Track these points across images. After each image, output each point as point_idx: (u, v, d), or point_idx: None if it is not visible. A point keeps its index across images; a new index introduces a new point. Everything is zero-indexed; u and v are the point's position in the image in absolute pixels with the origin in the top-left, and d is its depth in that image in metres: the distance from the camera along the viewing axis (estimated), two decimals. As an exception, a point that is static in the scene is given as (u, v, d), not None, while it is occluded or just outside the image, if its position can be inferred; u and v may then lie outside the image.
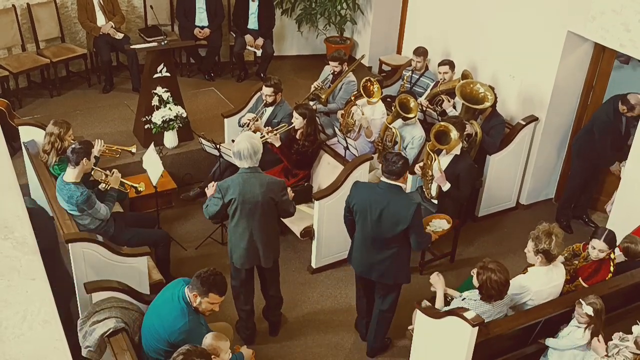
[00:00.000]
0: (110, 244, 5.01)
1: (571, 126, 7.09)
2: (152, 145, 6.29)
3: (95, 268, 4.94)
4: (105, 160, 6.27)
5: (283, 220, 6.19)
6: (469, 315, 4.21)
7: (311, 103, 7.09)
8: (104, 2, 8.35)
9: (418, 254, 6.34)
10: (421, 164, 6.10)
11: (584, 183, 6.87)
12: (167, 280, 5.32)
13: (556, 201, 7.40)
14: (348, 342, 5.58)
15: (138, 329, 4.51)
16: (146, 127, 7.14)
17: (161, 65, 7.04)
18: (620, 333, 4.46)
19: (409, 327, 5.18)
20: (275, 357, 5.45)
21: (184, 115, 7.15)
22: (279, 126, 6.38)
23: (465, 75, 7.10)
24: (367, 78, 6.79)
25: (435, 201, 6.06)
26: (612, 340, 4.47)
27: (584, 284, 4.95)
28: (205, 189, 5.13)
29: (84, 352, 4.49)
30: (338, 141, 6.78)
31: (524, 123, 6.86)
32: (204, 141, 6.46)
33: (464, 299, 4.59)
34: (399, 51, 9.58)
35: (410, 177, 6.41)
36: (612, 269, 4.91)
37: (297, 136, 6.36)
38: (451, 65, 7.19)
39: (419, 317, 4.65)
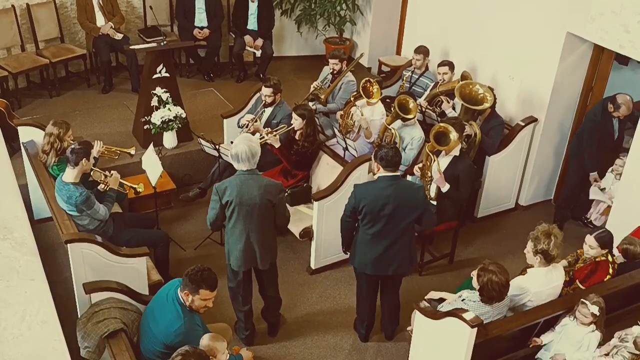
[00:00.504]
0: (109, 245, 5.00)
1: (570, 127, 7.08)
2: (151, 146, 6.28)
3: (94, 268, 4.94)
4: (105, 160, 6.27)
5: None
6: (468, 316, 4.21)
7: (310, 103, 7.09)
8: (103, 2, 8.35)
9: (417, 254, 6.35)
10: (420, 165, 6.10)
11: (581, 184, 6.85)
12: (166, 281, 5.30)
13: (555, 202, 7.40)
14: (347, 342, 5.58)
15: (137, 329, 4.51)
16: (145, 127, 7.14)
17: (160, 66, 7.04)
18: (623, 333, 4.46)
19: (408, 328, 5.19)
20: (274, 358, 5.44)
21: (183, 115, 7.15)
22: (278, 127, 6.38)
23: (464, 76, 7.11)
24: (367, 79, 6.79)
25: (435, 202, 6.05)
26: (612, 339, 4.47)
27: (580, 286, 4.95)
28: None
29: (82, 353, 4.49)
30: (337, 142, 6.79)
31: (523, 124, 6.86)
32: (203, 142, 6.46)
33: (464, 299, 4.59)
34: (398, 52, 9.59)
35: (409, 177, 6.43)
36: (610, 270, 4.90)
37: (297, 137, 6.36)
38: (451, 66, 7.19)
39: (417, 318, 4.65)
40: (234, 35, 9.06)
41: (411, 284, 6.24)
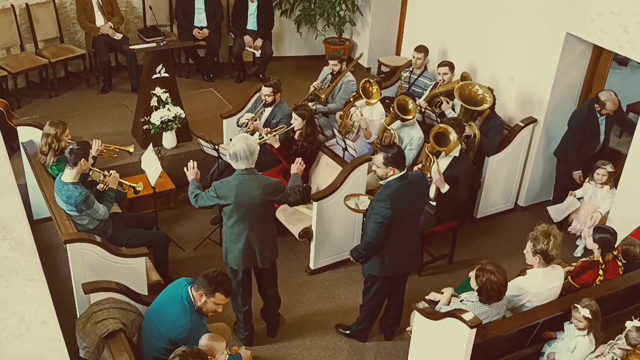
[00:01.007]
0: (108, 245, 5.00)
1: (570, 128, 7.10)
2: (150, 146, 6.28)
3: (93, 269, 4.94)
4: (104, 160, 6.27)
5: (281, 221, 6.21)
6: (467, 316, 4.21)
7: (310, 104, 7.09)
8: (102, 2, 8.35)
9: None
10: (420, 165, 6.10)
11: (571, 185, 6.80)
12: (165, 281, 5.31)
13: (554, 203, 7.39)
14: (346, 343, 5.58)
15: (136, 329, 4.51)
16: (145, 127, 7.13)
17: (160, 66, 7.04)
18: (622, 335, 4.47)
19: (407, 329, 5.19)
20: (273, 358, 5.44)
21: (183, 115, 7.15)
22: (277, 127, 6.38)
23: (464, 77, 7.11)
24: (366, 79, 6.80)
25: (434, 203, 6.05)
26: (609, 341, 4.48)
27: (572, 282, 4.97)
28: (185, 169, 5.13)
29: (81, 353, 4.48)
30: (337, 142, 6.79)
31: (522, 125, 6.86)
32: (202, 142, 6.46)
33: (462, 300, 4.59)
34: (397, 52, 9.59)
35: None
36: (600, 272, 4.93)
37: (296, 137, 6.36)
38: (450, 66, 7.20)
39: (417, 318, 4.65)
40: (233, 36, 9.06)
41: (410, 284, 6.20)
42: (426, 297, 4.99)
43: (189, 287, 4.28)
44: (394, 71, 8.65)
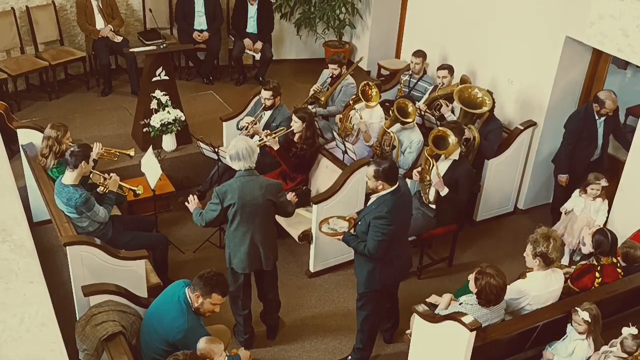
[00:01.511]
0: (108, 247, 5.00)
1: (569, 131, 7.09)
2: (150, 149, 6.28)
3: (93, 271, 4.94)
4: (104, 163, 6.27)
5: (281, 224, 6.21)
6: (467, 319, 4.21)
7: (310, 107, 7.10)
8: (103, 5, 8.36)
9: (415, 257, 6.37)
10: (419, 168, 6.11)
11: (568, 188, 6.78)
12: (164, 283, 5.30)
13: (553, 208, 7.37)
14: (346, 346, 5.57)
15: (135, 332, 4.51)
16: (145, 130, 7.14)
17: (160, 69, 7.04)
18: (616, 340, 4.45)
19: (407, 332, 5.18)
20: (272, 361, 5.45)
21: (183, 118, 7.15)
22: (277, 129, 6.39)
23: (463, 80, 7.12)
24: (366, 82, 6.80)
25: (433, 206, 6.06)
26: (604, 346, 4.46)
27: (571, 285, 4.98)
28: (186, 203, 5.15)
29: (81, 356, 4.48)
30: (336, 145, 6.79)
31: (522, 128, 6.87)
32: (202, 145, 6.46)
33: (461, 303, 4.59)
34: (397, 55, 9.60)
35: (408, 181, 6.44)
36: (597, 275, 4.92)
37: (296, 139, 6.37)
38: (450, 69, 7.20)
39: (416, 321, 4.65)
40: (233, 39, 9.06)
41: (410, 287, 6.24)
42: (426, 299, 4.99)
43: (186, 289, 4.29)
44: (394, 74, 8.66)
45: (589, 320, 4.37)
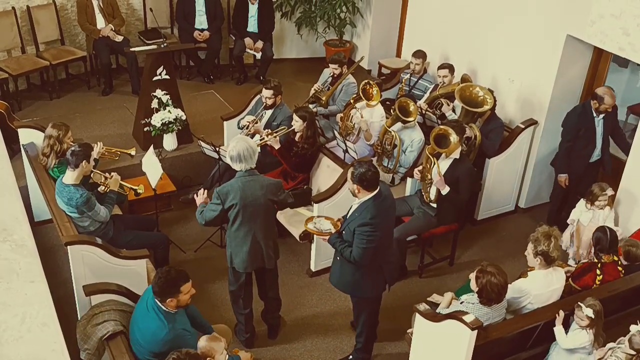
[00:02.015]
0: (109, 247, 5.00)
1: (570, 130, 7.09)
2: (151, 148, 6.29)
3: (94, 270, 4.94)
4: (105, 162, 6.27)
5: (282, 223, 6.22)
6: (468, 318, 4.21)
7: (311, 106, 7.10)
8: (103, 4, 8.36)
9: (417, 256, 6.37)
10: (420, 167, 6.10)
11: (564, 189, 6.73)
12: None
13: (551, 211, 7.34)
14: (347, 345, 5.57)
15: (136, 331, 4.50)
16: (145, 129, 7.14)
17: (161, 68, 7.04)
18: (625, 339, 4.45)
19: (408, 331, 5.18)
20: (274, 360, 5.45)
21: (184, 117, 7.15)
22: (278, 129, 6.38)
23: (464, 79, 7.11)
24: (367, 81, 6.80)
25: (434, 204, 6.05)
26: (609, 343, 4.46)
27: (572, 283, 4.98)
28: (195, 196, 5.13)
29: (82, 355, 4.49)
30: (337, 144, 6.79)
31: (523, 126, 6.86)
32: (203, 144, 6.46)
33: (463, 302, 4.59)
34: (398, 54, 9.59)
35: (409, 179, 6.44)
36: (598, 272, 4.91)
37: (297, 139, 6.37)
38: (451, 68, 7.20)
39: (418, 320, 4.65)
40: (234, 38, 9.06)
41: (411, 286, 6.24)
42: (427, 298, 4.99)
43: (157, 301, 4.19)
44: (395, 73, 8.65)
45: (592, 317, 4.38)
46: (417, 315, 4.62)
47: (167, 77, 7.10)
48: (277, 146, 6.23)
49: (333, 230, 4.99)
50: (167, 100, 7.05)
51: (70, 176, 5.24)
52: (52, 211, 5.42)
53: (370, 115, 6.77)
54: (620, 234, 5.65)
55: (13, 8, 8.06)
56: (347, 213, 4.85)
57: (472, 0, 7.56)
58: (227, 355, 4.24)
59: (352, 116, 6.75)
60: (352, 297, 5.13)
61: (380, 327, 5.65)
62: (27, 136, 6.18)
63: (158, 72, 7.04)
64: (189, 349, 3.92)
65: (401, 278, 6.27)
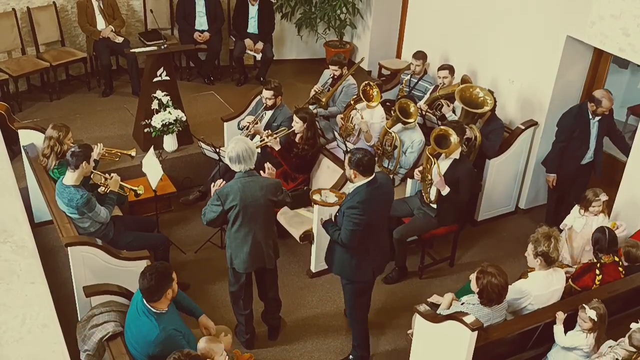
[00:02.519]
0: (109, 248, 5.01)
1: (570, 130, 7.08)
2: (151, 149, 6.29)
3: (94, 272, 4.94)
4: (105, 163, 6.28)
5: (282, 224, 6.22)
6: (469, 319, 4.21)
7: (311, 107, 7.10)
8: (104, 6, 8.36)
9: (417, 257, 6.37)
10: (420, 168, 6.10)
11: (562, 189, 6.71)
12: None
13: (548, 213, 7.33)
14: (347, 346, 5.57)
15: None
16: (146, 130, 7.14)
17: (161, 69, 7.05)
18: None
19: (409, 331, 5.18)
20: (274, 361, 5.45)
21: (184, 119, 7.16)
22: (278, 130, 6.39)
23: (464, 80, 7.11)
24: (367, 82, 6.80)
25: (435, 205, 6.06)
26: (609, 340, 4.47)
27: (573, 284, 4.98)
28: (212, 186, 5.07)
29: (82, 356, 4.48)
30: (337, 145, 6.79)
31: (523, 127, 6.87)
32: (203, 145, 6.47)
33: (463, 303, 4.59)
34: (398, 55, 9.60)
35: (409, 180, 6.44)
36: (597, 272, 4.91)
37: (297, 140, 6.37)
38: (451, 69, 7.20)
39: (418, 321, 4.65)
40: (234, 39, 9.07)
41: (411, 287, 6.24)
42: (428, 299, 4.99)
43: (147, 304, 4.16)
44: (395, 74, 8.66)
45: (595, 320, 4.37)
46: (418, 316, 4.61)
47: (168, 78, 7.11)
48: (277, 147, 6.24)
49: (339, 201, 5.11)
50: (167, 102, 7.06)
51: (70, 177, 5.24)
52: (53, 212, 5.42)
53: (371, 117, 6.77)
54: (624, 229, 5.70)
55: (13, 9, 8.07)
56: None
57: (472, 2, 7.57)
58: (227, 357, 4.24)
59: (353, 117, 6.75)
60: (341, 280, 5.18)
61: (380, 327, 5.67)
62: (28, 137, 6.18)
63: (158, 73, 7.05)
64: (190, 350, 3.91)
65: (401, 279, 6.29)
